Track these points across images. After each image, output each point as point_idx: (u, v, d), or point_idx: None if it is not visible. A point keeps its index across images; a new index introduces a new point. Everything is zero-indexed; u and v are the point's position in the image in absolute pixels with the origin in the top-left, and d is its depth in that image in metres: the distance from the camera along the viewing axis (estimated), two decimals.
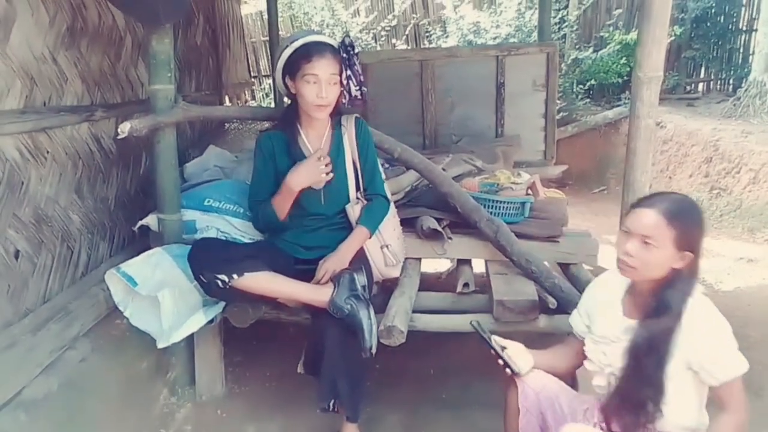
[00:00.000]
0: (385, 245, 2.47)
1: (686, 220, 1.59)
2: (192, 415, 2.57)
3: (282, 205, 2.31)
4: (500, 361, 1.79)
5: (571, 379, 2.00)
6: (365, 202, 2.43)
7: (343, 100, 2.35)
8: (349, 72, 2.32)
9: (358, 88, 2.36)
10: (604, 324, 1.75)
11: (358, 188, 2.44)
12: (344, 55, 2.30)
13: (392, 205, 2.58)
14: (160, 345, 2.28)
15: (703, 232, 1.63)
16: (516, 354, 1.82)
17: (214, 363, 2.65)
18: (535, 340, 2.65)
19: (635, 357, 1.61)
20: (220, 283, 2.08)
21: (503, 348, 1.82)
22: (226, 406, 2.62)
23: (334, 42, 2.32)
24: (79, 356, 2.55)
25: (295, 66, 2.23)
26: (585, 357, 1.86)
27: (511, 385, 1.84)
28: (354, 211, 2.39)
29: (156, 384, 2.69)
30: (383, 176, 2.58)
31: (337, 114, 2.41)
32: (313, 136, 2.39)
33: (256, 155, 2.41)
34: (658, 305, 1.60)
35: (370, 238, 2.39)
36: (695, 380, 1.61)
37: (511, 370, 1.78)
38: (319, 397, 2.09)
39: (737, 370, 1.57)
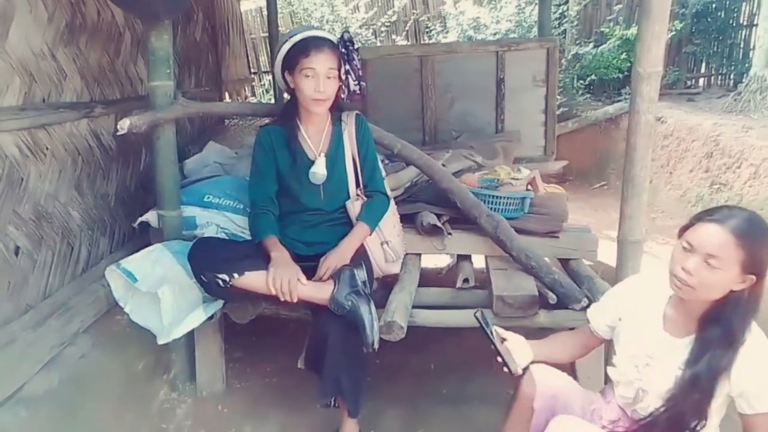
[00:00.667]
0: (386, 242, 2.47)
1: (757, 242, 1.44)
2: (192, 411, 2.57)
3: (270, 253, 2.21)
4: (499, 359, 1.76)
5: (570, 369, 1.98)
6: (365, 198, 2.43)
7: (342, 95, 2.35)
8: (347, 67, 2.32)
9: (356, 82, 2.36)
10: (641, 337, 1.65)
11: (357, 185, 2.44)
12: (343, 50, 2.30)
13: (392, 201, 2.58)
14: (161, 341, 2.28)
15: None
16: (515, 347, 1.78)
17: (215, 359, 2.65)
18: (534, 335, 2.67)
19: (698, 387, 1.49)
20: (220, 282, 2.08)
21: (503, 340, 1.80)
22: (227, 402, 2.63)
23: (333, 37, 2.31)
24: (80, 352, 2.56)
25: (293, 61, 2.23)
26: (591, 351, 1.84)
27: (520, 386, 1.78)
28: (354, 207, 2.39)
29: (156, 380, 2.69)
30: (383, 173, 2.58)
31: (337, 110, 2.41)
32: (313, 132, 2.39)
33: (255, 150, 2.40)
34: (723, 334, 1.48)
35: (370, 234, 2.39)
36: (723, 403, 1.54)
37: (509, 369, 1.73)
38: (321, 394, 2.09)
39: None
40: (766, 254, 1.45)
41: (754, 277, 1.45)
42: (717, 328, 1.49)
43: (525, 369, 1.77)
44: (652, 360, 1.61)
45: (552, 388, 1.72)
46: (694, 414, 1.49)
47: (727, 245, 1.42)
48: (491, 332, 1.80)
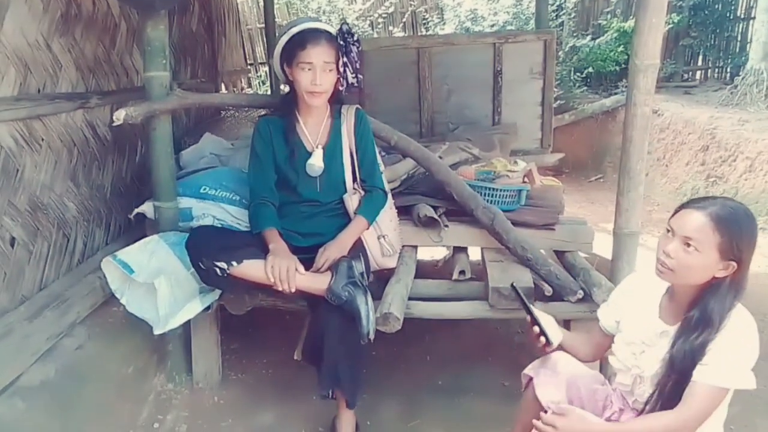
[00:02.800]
0: (382, 236, 2.48)
1: (735, 228, 1.48)
2: (189, 402, 2.58)
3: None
4: (536, 328, 1.76)
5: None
6: (362, 192, 2.44)
7: (340, 87, 2.35)
8: (345, 59, 2.31)
9: (354, 75, 2.35)
10: (638, 326, 1.69)
11: (354, 179, 2.44)
12: (341, 42, 2.29)
13: (389, 196, 2.58)
14: (157, 332, 2.28)
15: (752, 243, 1.52)
16: (548, 325, 1.79)
17: (211, 350, 2.66)
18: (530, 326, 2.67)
19: (674, 369, 1.54)
20: (218, 270, 2.08)
21: (533, 311, 1.81)
22: (223, 393, 2.64)
23: (332, 29, 2.31)
24: (76, 344, 2.56)
25: (291, 53, 2.23)
26: (605, 351, 1.85)
27: (530, 381, 1.83)
28: (352, 201, 2.40)
29: (153, 371, 2.70)
30: (382, 168, 2.58)
31: (337, 103, 2.41)
32: (312, 125, 2.39)
33: (254, 140, 2.40)
34: (700, 317, 1.52)
35: (368, 228, 2.39)
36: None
37: (547, 340, 1.75)
38: (319, 385, 2.10)
39: (723, 380, 1.49)
40: (744, 241, 1.49)
41: (735, 264, 1.49)
42: (696, 313, 1.54)
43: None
44: (647, 347, 1.65)
45: (565, 372, 1.78)
46: (678, 397, 1.53)
47: (703, 228, 1.48)
48: (530, 303, 1.81)
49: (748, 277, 1.55)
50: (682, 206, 1.58)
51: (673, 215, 1.58)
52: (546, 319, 1.82)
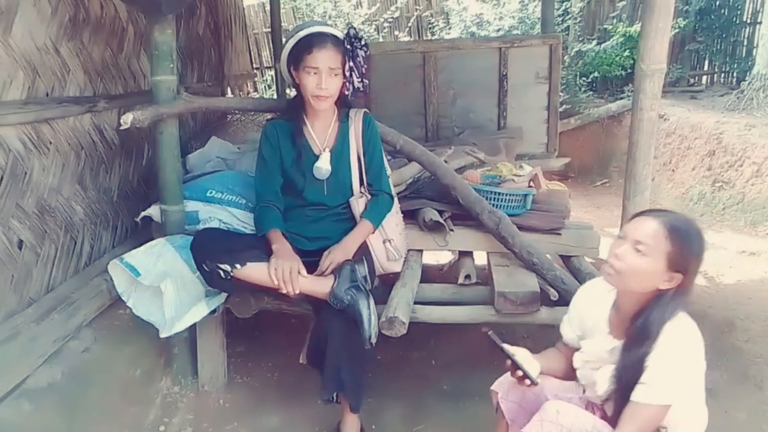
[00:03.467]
0: (388, 240, 2.48)
1: (686, 240, 1.50)
2: (194, 405, 2.58)
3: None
4: (519, 372, 1.72)
5: None
6: (369, 196, 2.44)
7: (346, 92, 2.35)
8: (351, 64, 2.32)
9: (360, 80, 2.36)
10: (592, 342, 1.71)
11: (361, 182, 2.44)
12: (348, 46, 2.30)
13: (396, 201, 2.58)
14: (163, 335, 2.29)
15: (700, 260, 1.53)
16: (525, 361, 1.75)
17: (217, 353, 2.66)
18: (536, 332, 2.68)
19: (621, 384, 1.56)
20: (222, 273, 2.08)
21: (512, 355, 1.76)
22: (228, 396, 2.64)
23: (339, 33, 2.32)
24: (83, 346, 2.56)
25: (297, 57, 2.24)
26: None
27: (501, 421, 1.82)
28: (358, 204, 2.40)
29: (158, 374, 2.70)
30: (389, 172, 2.58)
31: (345, 106, 2.42)
32: (319, 128, 2.39)
33: (262, 144, 2.41)
34: (639, 329, 1.53)
35: (373, 232, 2.40)
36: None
37: (531, 381, 1.71)
38: (322, 389, 2.10)
39: (659, 398, 1.49)
40: (692, 255, 1.51)
41: (680, 276, 1.50)
42: (638, 325, 1.54)
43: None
44: (601, 364, 1.65)
45: (515, 395, 1.77)
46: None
47: (656, 234, 1.50)
48: (506, 348, 1.76)
49: (691, 293, 1.55)
50: (638, 214, 1.61)
51: (628, 222, 1.61)
52: (522, 355, 1.77)
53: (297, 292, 2.08)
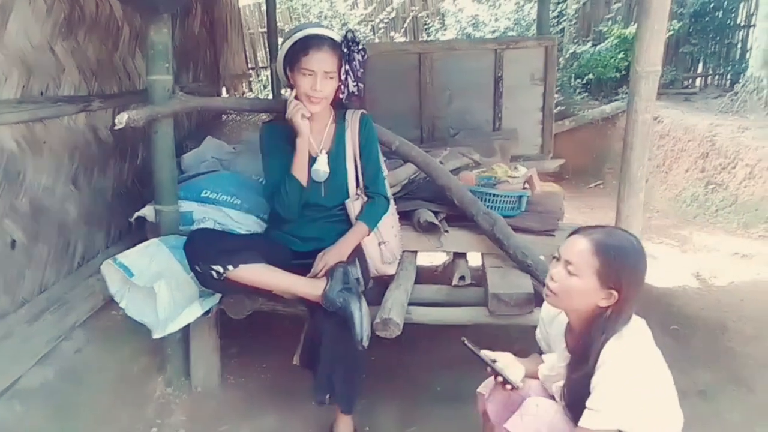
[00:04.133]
0: (383, 242, 2.48)
1: (615, 255, 1.48)
2: (187, 407, 2.57)
3: (301, 168, 2.29)
4: (499, 378, 1.73)
5: None
6: (365, 198, 2.44)
7: (341, 95, 2.34)
8: (347, 67, 2.31)
9: (355, 84, 2.35)
10: (552, 356, 1.72)
11: (357, 184, 2.44)
12: (345, 50, 2.29)
13: (392, 203, 2.58)
14: (156, 336, 2.28)
15: (636, 274, 1.51)
16: (507, 365, 1.76)
17: (210, 354, 2.66)
18: (530, 333, 2.68)
19: (568, 400, 1.57)
20: (215, 273, 2.08)
21: (494, 361, 1.76)
22: (222, 398, 2.63)
23: (337, 36, 2.31)
24: (75, 347, 2.56)
25: (294, 58, 2.24)
26: None
27: (486, 423, 1.82)
28: (354, 206, 2.40)
29: (152, 375, 2.69)
30: (384, 173, 2.58)
31: (341, 108, 2.41)
32: (315, 130, 2.38)
33: (264, 148, 2.40)
34: (581, 347, 1.53)
35: (368, 235, 2.40)
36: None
37: (512, 385, 1.71)
38: (315, 391, 2.10)
39: (602, 423, 1.45)
40: (625, 271, 1.48)
41: (616, 294, 1.48)
42: (579, 343, 1.54)
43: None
44: (560, 378, 1.65)
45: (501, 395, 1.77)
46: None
47: (583, 253, 1.49)
48: (482, 355, 1.77)
49: (630, 309, 1.52)
50: (572, 232, 1.60)
51: (563, 242, 1.60)
52: (505, 360, 1.77)
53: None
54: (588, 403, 1.47)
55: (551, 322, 1.77)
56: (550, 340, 1.78)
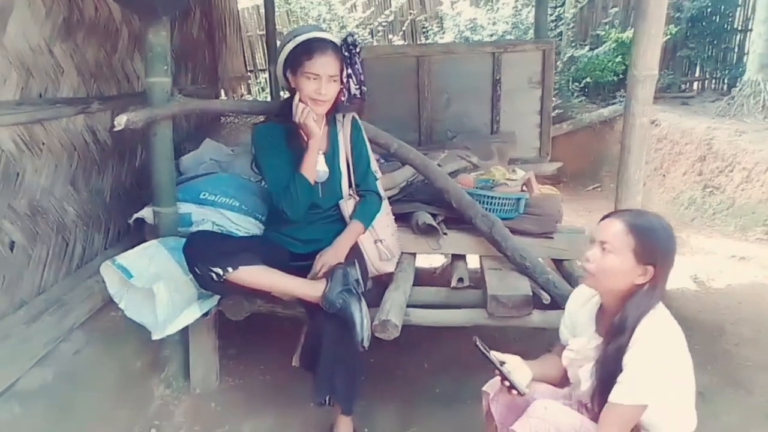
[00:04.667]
0: (379, 240, 2.49)
1: (648, 232, 1.57)
2: (187, 408, 2.57)
3: (310, 168, 2.29)
4: (505, 382, 1.72)
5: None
6: (357, 198, 2.45)
7: (343, 98, 2.35)
8: (349, 71, 2.32)
9: (357, 86, 2.36)
10: (580, 340, 1.75)
11: (350, 184, 2.45)
12: (346, 53, 2.29)
13: (385, 202, 2.59)
14: (155, 337, 2.28)
15: (668, 250, 1.59)
16: (515, 368, 1.76)
17: (209, 356, 2.66)
18: (528, 335, 2.68)
19: (600, 377, 1.59)
20: (214, 275, 2.08)
21: (502, 363, 1.76)
22: (221, 399, 2.63)
23: (337, 39, 2.32)
24: (74, 348, 2.56)
25: (296, 61, 2.23)
26: None
27: (490, 423, 1.83)
28: (347, 206, 2.41)
29: (151, 376, 2.69)
30: (378, 175, 2.59)
31: (333, 111, 2.42)
32: None
33: (260, 148, 2.36)
34: (616, 324, 1.57)
35: (363, 233, 2.40)
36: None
37: (517, 391, 1.70)
38: (314, 392, 2.10)
39: (632, 398, 1.51)
40: (659, 246, 1.57)
41: (651, 269, 1.55)
42: (616, 320, 1.58)
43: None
44: (585, 361, 1.69)
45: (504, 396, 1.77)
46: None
47: (618, 232, 1.57)
48: (495, 360, 1.76)
49: (664, 285, 1.60)
50: (603, 217, 1.67)
51: (595, 226, 1.68)
52: (513, 363, 1.77)
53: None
54: (620, 379, 1.52)
55: (579, 310, 1.81)
56: (577, 328, 1.80)
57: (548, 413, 1.60)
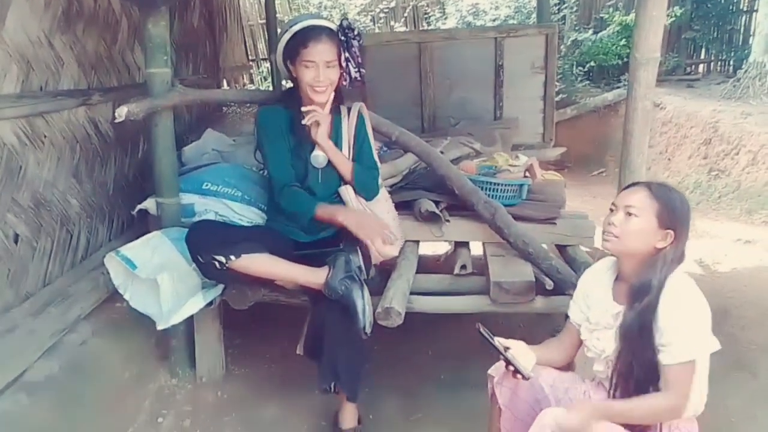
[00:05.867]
0: None
1: (670, 198, 1.66)
2: (192, 397, 2.59)
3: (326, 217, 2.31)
4: (510, 367, 1.74)
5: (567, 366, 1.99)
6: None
7: (344, 82, 2.35)
8: (347, 54, 2.32)
9: (357, 69, 2.36)
10: (598, 311, 1.77)
11: None
12: (342, 38, 2.30)
13: (383, 189, 2.59)
14: (160, 327, 2.30)
15: (686, 217, 1.67)
16: (519, 353, 1.77)
17: (214, 345, 2.67)
18: (532, 321, 2.68)
19: (626, 339, 1.64)
20: (217, 264, 2.09)
21: (506, 348, 1.76)
22: (226, 388, 2.65)
23: (333, 25, 2.31)
24: (80, 339, 2.57)
25: (293, 51, 2.25)
26: (579, 348, 1.87)
27: (495, 406, 1.85)
28: (348, 192, 2.41)
29: (156, 366, 2.71)
30: (378, 164, 2.58)
31: (337, 100, 2.41)
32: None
33: (262, 131, 2.35)
34: (640, 285, 1.63)
35: (351, 177, 2.39)
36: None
37: (522, 375, 1.72)
38: (319, 380, 2.11)
39: (692, 353, 1.58)
40: (679, 211, 1.66)
41: (672, 233, 1.64)
42: (639, 282, 1.65)
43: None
44: (606, 329, 1.73)
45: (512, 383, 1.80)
46: (638, 365, 1.61)
47: (642, 197, 1.67)
48: (498, 345, 1.77)
49: (684, 249, 1.68)
50: (624, 187, 1.80)
51: (617, 196, 1.79)
52: (518, 349, 1.78)
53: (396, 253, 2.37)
54: (663, 341, 1.58)
55: (593, 287, 1.84)
56: (591, 301, 1.82)
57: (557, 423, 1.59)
